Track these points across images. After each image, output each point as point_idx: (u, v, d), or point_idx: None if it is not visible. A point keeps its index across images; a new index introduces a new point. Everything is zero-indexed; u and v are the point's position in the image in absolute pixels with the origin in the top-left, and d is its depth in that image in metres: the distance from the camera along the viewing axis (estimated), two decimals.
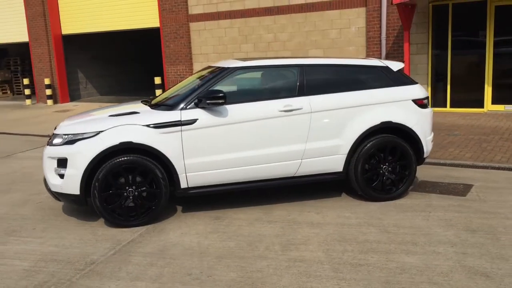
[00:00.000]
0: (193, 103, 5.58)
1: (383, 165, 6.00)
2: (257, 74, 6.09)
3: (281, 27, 14.02)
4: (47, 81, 18.56)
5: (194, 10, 15.33)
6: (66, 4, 18.43)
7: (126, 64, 21.69)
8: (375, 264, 4.34)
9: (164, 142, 5.44)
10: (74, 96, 19.78)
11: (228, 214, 5.78)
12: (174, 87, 6.57)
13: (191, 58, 15.69)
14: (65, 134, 5.50)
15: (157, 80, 16.03)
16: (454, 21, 12.00)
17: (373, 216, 5.56)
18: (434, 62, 12.40)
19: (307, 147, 5.80)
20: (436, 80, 12.48)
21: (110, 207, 5.41)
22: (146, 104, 6.10)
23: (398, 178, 6.07)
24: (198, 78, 6.29)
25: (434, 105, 12.46)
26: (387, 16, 12.49)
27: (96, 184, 5.31)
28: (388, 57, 12.63)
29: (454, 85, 12.28)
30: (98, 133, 5.38)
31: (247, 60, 6.10)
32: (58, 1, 18.54)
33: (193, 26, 15.45)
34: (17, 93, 23.09)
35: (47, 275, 4.36)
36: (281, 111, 5.71)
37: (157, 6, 16.10)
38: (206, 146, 5.56)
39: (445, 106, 12.41)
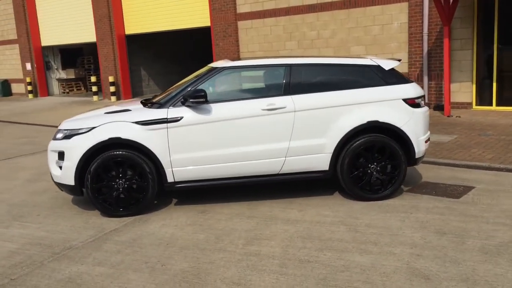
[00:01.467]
0: (179, 102, 5.88)
1: (371, 164, 5.98)
2: (249, 74, 6.27)
3: (324, 24, 14.00)
4: (111, 78, 19.72)
5: (241, 9, 15.67)
6: (129, 6, 19.46)
7: (184, 62, 22.44)
8: (323, 262, 4.42)
9: (151, 138, 5.79)
10: (136, 92, 20.82)
11: (214, 209, 6.03)
12: (174, 86, 6.91)
13: (239, 56, 16.04)
14: (65, 130, 6.01)
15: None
16: (500, 15, 11.42)
17: (351, 215, 5.59)
18: (479, 58, 11.87)
19: (291, 145, 5.91)
20: (481, 77, 11.95)
21: (101, 197, 5.84)
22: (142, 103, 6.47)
23: (387, 178, 6.02)
24: (194, 77, 6.57)
25: (479, 103, 11.96)
26: (429, 11, 12.12)
27: (89, 176, 5.77)
28: (430, 53, 12.27)
29: (501, 83, 11.70)
30: (91, 129, 5.83)
31: (237, 60, 6.30)
32: (122, 3, 19.60)
33: (241, 24, 15.79)
34: (90, 90, 24.64)
35: (25, 257, 4.85)
36: (264, 109, 5.86)
37: (208, 6, 16.60)
38: (190, 143, 5.84)
39: (491, 105, 11.86)
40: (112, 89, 19.79)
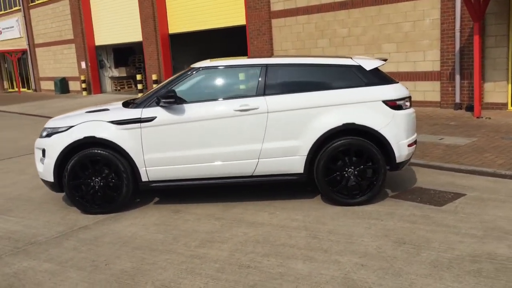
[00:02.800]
0: (154, 102, 5.91)
1: (348, 168, 5.76)
2: (227, 74, 6.19)
3: (355, 22, 13.63)
4: (154, 76, 20.20)
5: (275, 6, 15.56)
6: (172, 6, 19.85)
7: None
8: (262, 268, 4.30)
9: (124, 138, 5.87)
10: None
11: (189, 209, 6.03)
12: (157, 86, 6.96)
13: (272, 55, 15.95)
14: (48, 128, 6.21)
15: (241, 76, 16.54)
16: None
17: (320, 220, 5.41)
18: None
19: (263, 147, 5.80)
20: None
21: (78, 194, 5.99)
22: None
23: (366, 183, 5.78)
24: (175, 77, 6.59)
25: None
26: (462, 6, 11.48)
27: (66, 173, 5.93)
28: (462, 51, 11.64)
29: None
30: (69, 128, 6.00)
31: (217, 60, 6.25)
32: (166, 4, 20.02)
33: (275, 22, 15.69)
34: None
35: None
36: (237, 110, 5.79)
37: (244, 4, 16.62)
38: (163, 143, 5.87)
39: None
40: (155, 86, 20.25)
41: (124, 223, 5.68)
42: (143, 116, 5.87)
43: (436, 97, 12.41)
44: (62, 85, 26.73)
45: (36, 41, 29.15)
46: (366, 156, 5.73)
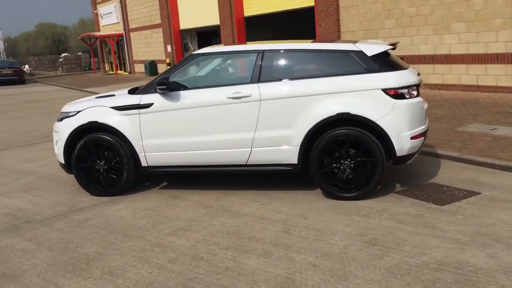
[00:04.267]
0: (153, 89, 5.97)
1: (344, 161, 5.44)
2: (225, 60, 6.09)
3: None
4: None
5: None
6: None
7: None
8: (213, 261, 4.21)
9: (125, 123, 6.00)
10: None
11: (186, 195, 6.05)
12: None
13: (339, 36, 15.42)
14: (62, 112, 6.52)
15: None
16: None
17: (304, 214, 5.17)
18: None
19: (256, 136, 5.64)
20: None
21: (84, 176, 6.25)
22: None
23: (363, 177, 5.42)
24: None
25: None
26: None
27: (73, 156, 6.21)
28: None
29: None
30: (77, 112, 6.25)
31: (216, 46, 6.15)
32: None
33: (342, 2, 15.12)
34: None
35: None
36: (230, 97, 5.66)
37: None
38: (160, 129, 5.91)
39: None
40: None
41: (119, 206, 5.84)
42: (141, 102, 5.95)
43: (509, 81, 11.29)
44: (152, 68, 27.95)
45: (131, 26, 30.68)
46: (363, 149, 5.36)
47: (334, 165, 5.47)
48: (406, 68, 5.56)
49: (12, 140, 10.98)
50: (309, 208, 5.34)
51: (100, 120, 6.05)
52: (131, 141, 5.99)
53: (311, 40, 5.88)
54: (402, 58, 13.14)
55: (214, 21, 22.11)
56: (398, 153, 5.38)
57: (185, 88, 5.88)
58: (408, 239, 4.38)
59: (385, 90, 5.31)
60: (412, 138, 5.39)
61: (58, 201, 6.22)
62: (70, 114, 6.31)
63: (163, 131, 5.90)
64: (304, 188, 5.94)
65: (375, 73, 5.38)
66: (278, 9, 18.40)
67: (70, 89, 25.44)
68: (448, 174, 6.19)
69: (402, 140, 5.34)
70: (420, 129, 5.49)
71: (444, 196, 5.45)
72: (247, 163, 5.77)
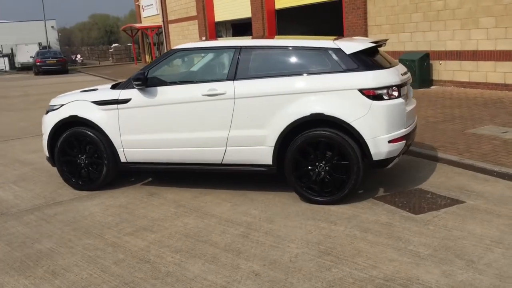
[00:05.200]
0: (131, 84, 5.88)
1: (319, 163, 5.19)
2: (204, 56, 5.94)
3: None
4: None
5: None
6: None
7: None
8: (157, 265, 4.09)
9: (104, 118, 5.95)
10: None
11: (163, 193, 5.96)
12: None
13: (366, 30, 14.95)
14: (49, 105, 6.55)
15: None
16: None
17: (271, 218, 4.98)
18: None
19: (231, 135, 5.47)
20: None
21: (66, 170, 6.26)
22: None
23: (338, 181, 5.16)
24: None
25: None
26: None
27: (56, 149, 6.23)
28: None
29: None
30: (60, 106, 6.26)
31: (196, 42, 6.00)
32: None
33: None
34: None
35: None
36: (205, 95, 5.51)
37: None
38: (137, 125, 5.83)
39: None
40: None
41: (95, 201, 5.81)
42: (120, 98, 5.88)
43: None
44: None
45: (169, 18, 30.95)
46: (337, 151, 5.10)
47: (309, 167, 5.23)
48: (388, 67, 5.24)
49: (27, 130, 11.24)
50: (280, 211, 5.14)
51: (80, 114, 6.03)
52: (109, 137, 5.94)
53: (333, 37, 5.55)
54: (427, 53, 12.63)
55: (247, 13, 21.93)
56: (375, 157, 5.08)
57: (162, 84, 5.77)
58: (365, 250, 4.11)
59: (362, 91, 5.02)
60: (390, 141, 5.08)
61: (40, 194, 6.26)
62: (55, 107, 6.32)
63: (140, 127, 5.82)
64: (284, 190, 5.72)
65: (352, 72, 5.09)
66: (308, 2, 18.02)
67: (106, 79, 25.94)
68: (439, 180, 5.83)
69: (379, 144, 5.04)
70: (400, 132, 5.16)
71: (425, 204, 5.11)
72: (223, 162, 5.61)
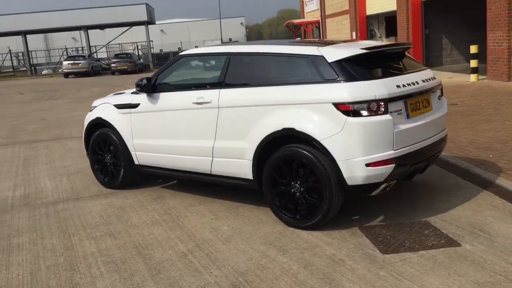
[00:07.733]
0: None
1: (294, 183, 4.68)
2: (204, 62, 5.76)
3: None
4: None
5: None
6: None
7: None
8: (77, 276, 4.07)
9: (120, 121, 6.15)
10: (432, 63, 19.21)
11: (169, 197, 5.94)
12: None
13: (510, 23, 12.94)
14: (91, 106, 6.99)
15: (473, 49, 14.04)
16: None
17: (229, 238, 4.62)
18: None
19: (215, 145, 5.22)
20: None
21: (96, 168, 6.65)
22: None
23: (313, 204, 4.59)
24: None
25: None
26: None
27: (88, 148, 6.65)
28: None
29: None
30: (93, 108, 6.65)
31: (200, 48, 5.83)
32: None
33: None
34: None
35: None
36: (194, 103, 5.34)
37: None
38: (144, 129, 5.91)
39: None
40: None
41: (102, 201, 6.04)
42: (133, 102, 6.01)
43: None
44: None
45: (327, 12, 30.65)
46: (309, 171, 4.52)
47: (283, 187, 4.74)
48: (378, 78, 4.44)
49: None
50: (250, 231, 4.76)
51: (103, 117, 6.32)
52: (124, 139, 6.13)
53: (342, 40, 5.06)
54: None
55: (392, 7, 20.63)
56: (349, 182, 4.37)
57: (166, 90, 5.76)
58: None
59: (336, 105, 4.34)
60: (368, 165, 4.31)
61: (74, 188, 6.72)
62: (92, 109, 6.73)
63: (146, 131, 5.90)
64: None
65: (329, 84, 4.43)
66: None
67: None
68: (461, 213, 4.81)
69: (353, 167, 4.32)
70: (384, 154, 4.34)
71: (410, 241, 4.26)
72: (212, 173, 5.38)
